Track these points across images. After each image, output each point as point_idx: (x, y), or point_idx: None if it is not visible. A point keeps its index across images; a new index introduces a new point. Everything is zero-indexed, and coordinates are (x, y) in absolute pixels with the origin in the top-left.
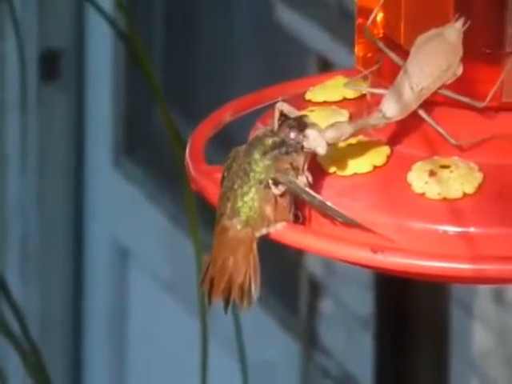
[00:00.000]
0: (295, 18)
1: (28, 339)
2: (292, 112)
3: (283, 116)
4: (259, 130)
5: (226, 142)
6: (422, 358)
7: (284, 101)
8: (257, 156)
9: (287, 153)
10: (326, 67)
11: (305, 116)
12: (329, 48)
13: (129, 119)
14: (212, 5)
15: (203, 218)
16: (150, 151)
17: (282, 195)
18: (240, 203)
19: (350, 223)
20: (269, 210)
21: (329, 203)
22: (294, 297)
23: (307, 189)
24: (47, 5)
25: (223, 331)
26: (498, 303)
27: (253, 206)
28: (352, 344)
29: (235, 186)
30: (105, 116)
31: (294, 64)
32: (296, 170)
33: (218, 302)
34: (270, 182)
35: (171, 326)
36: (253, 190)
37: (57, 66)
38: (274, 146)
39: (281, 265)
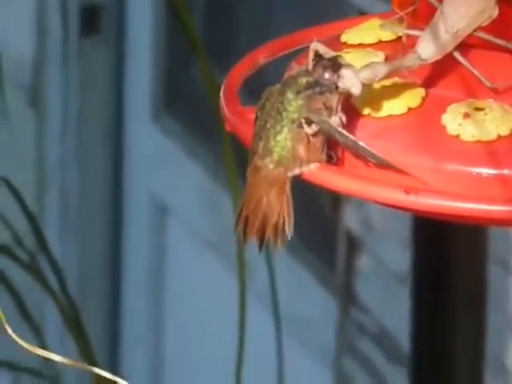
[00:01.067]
0: None
1: (66, 295)
2: (327, 52)
3: (318, 56)
4: (294, 69)
5: (262, 87)
6: (460, 315)
7: (319, 42)
8: (290, 95)
9: (321, 92)
10: None
11: (339, 56)
12: (369, 2)
13: (168, 73)
14: None
15: (242, 171)
16: (189, 105)
17: (314, 135)
18: (272, 142)
19: (383, 164)
20: (301, 149)
21: (362, 144)
22: (331, 253)
23: (340, 129)
24: None
25: (261, 287)
26: None
27: (285, 146)
28: (389, 301)
29: (268, 126)
30: (144, 70)
31: (333, 18)
32: (329, 110)
33: (252, 241)
34: (303, 121)
35: (210, 282)
36: (285, 129)
37: (97, 20)
38: (308, 86)
39: (318, 220)
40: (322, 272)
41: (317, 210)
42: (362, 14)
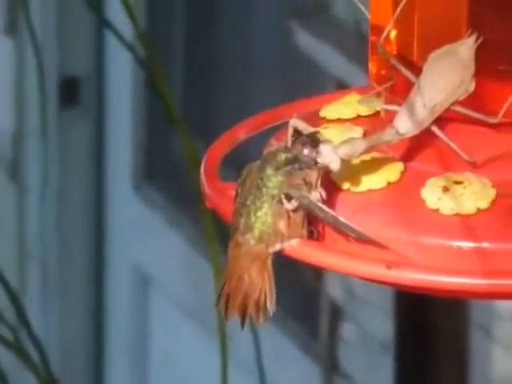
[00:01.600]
0: (313, 42)
1: (48, 370)
2: (306, 128)
3: (297, 133)
4: (273, 146)
5: (241, 162)
6: (444, 382)
7: (298, 118)
8: (270, 171)
9: (300, 168)
10: None
11: (318, 132)
12: (347, 71)
13: (149, 144)
14: (231, 30)
15: (223, 242)
16: (170, 176)
17: (295, 211)
18: (253, 218)
19: (363, 239)
20: (282, 225)
21: (342, 219)
22: (315, 321)
23: (320, 204)
24: (67, 31)
25: (243, 355)
26: None
27: (266, 221)
28: (372, 368)
29: (248, 202)
30: (125, 142)
31: (312, 88)
32: (309, 185)
33: (234, 318)
34: (283, 197)
35: (192, 351)
36: (266, 205)
37: (76, 93)
38: (287, 162)
39: (301, 289)
40: (306, 340)
41: (300, 278)
42: (341, 84)
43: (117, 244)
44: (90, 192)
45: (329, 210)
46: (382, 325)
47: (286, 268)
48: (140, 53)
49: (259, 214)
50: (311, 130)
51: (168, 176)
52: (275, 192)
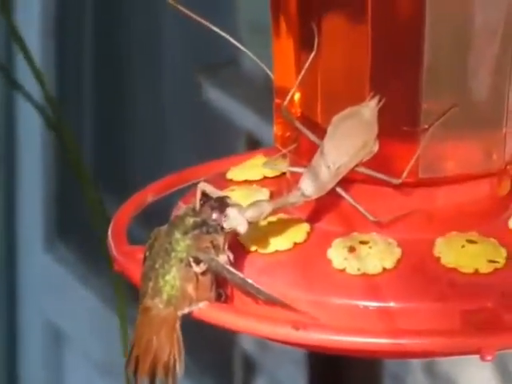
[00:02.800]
0: (224, 97)
1: None
2: (214, 192)
3: (205, 196)
4: (181, 209)
5: (150, 223)
6: None
7: (206, 181)
8: (178, 235)
9: (208, 232)
10: (254, 145)
11: (227, 197)
12: (257, 126)
13: (60, 201)
14: (141, 88)
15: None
16: (81, 233)
17: (203, 274)
18: (162, 282)
19: (271, 301)
20: (191, 288)
21: (250, 281)
22: (228, 375)
23: (228, 267)
24: None
25: None
26: (429, 376)
27: (174, 285)
28: None
29: (156, 266)
30: (36, 198)
31: (223, 143)
32: (217, 248)
33: (143, 381)
34: (191, 260)
35: None
36: (174, 268)
37: None
38: (195, 226)
39: (214, 343)
40: None
41: (212, 331)
42: (252, 139)
43: (28, 301)
44: (0, 250)
45: (237, 273)
46: (295, 377)
47: (199, 323)
48: (49, 114)
49: (168, 277)
50: (219, 193)
51: (79, 233)
52: (183, 255)
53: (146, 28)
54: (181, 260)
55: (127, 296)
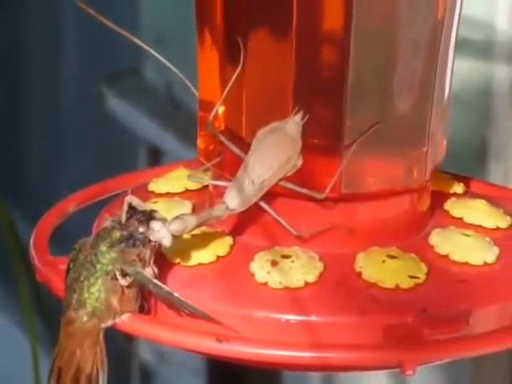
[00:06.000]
0: (125, 106)
1: None
2: (140, 205)
3: (132, 209)
4: (107, 220)
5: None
6: None
7: (133, 195)
8: (103, 248)
9: (134, 245)
10: (156, 156)
11: (154, 211)
12: (159, 137)
13: None
14: (38, 96)
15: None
16: None
17: (128, 286)
18: (86, 295)
19: (195, 313)
20: (115, 301)
21: (176, 294)
22: None
23: (154, 280)
24: None
25: None
26: None
27: (99, 298)
28: None
29: (81, 278)
30: None
31: (124, 153)
32: (143, 261)
33: None
34: (117, 273)
35: None
36: (99, 281)
37: None
38: (122, 239)
39: (111, 352)
40: None
41: (110, 341)
42: (153, 148)
43: None
44: None
45: (163, 286)
46: None
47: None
48: None
49: (92, 290)
50: (146, 206)
51: None
52: (109, 268)
53: (45, 35)
54: (106, 272)
55: (34, 309)
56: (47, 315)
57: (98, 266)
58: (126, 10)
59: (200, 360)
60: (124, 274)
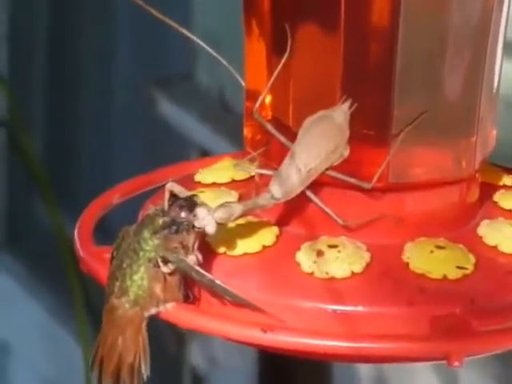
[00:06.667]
0: (177, 110)
1: None
2: (182, 192)
3: (173, 196)
4: (150, 209)
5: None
6: None
7: (174, 182)
8: (146, 235)
9: (177, 232)
10: None
11: (195, 196)
12: (210, 141)
13: (9, 211)
14: (94, 96)
15: (91, 314)
16: (31, 245)
17: (171, 274)
18: (129, 282)
19: (239, 302)
20: (158, 288)
21: (219, 282)
22: None
23: (197, 268)
24: None
25: None
26: None
27: (142, 285)
28: None
29: (124, 265)
30: None
31: (176, 157)
32: (186, 248)
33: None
34: (160, 260)
35: None
36: (142, 268)
37: None
38: (164, 226)
39: (163, 357)
40: None
41: (161, 347)
42: (205, 153)
43: None
44: None
45: (206, 273)
46: None
47: (148, 337)
48: (1, 115)
49: (135, 277)
50: (188, 193)
51: (27, 244)
52: (152, 255)
53: (99, 40)
54: (149, 260)
55: (85, 311)
56: (98, 321)
57: (141, 254)
58: (178, 11)
59: (251, 364)
60: (166, 261)
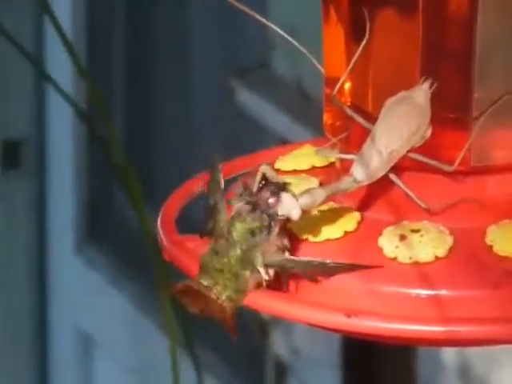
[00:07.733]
0: (255, 100)
1: None
2: (274, 177)
3: (264, 179)
4: (238, 188)
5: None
6: None
7: (268, 165)
8: (244, 246)
9: (269, 231)
10: None
11: (287, 183)
12: (289, 130)
13: (91, 204)
14: (170, 92)
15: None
16: (113, 236)
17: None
18: (228, 283)
19: (340, 269)
20: (255, 290)
21: (318, 259)
22: (261, 379)
23: (292, 257)
24: (5, 95)
25: None
26: (464, 380)
27: (240, 289)
28: None
29: (233, 261)
30: (67, 201)
31: (255, 146)
32: (283, 250)
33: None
34: (262, 270)
35: None
36: (246, 273)
37: (17, 154)
38: (262, 228)
39: (247, 347)
40: None
41: (245, 337)
42: (283, 142)
43: (59, 305)
44: (31, 254)
45: (300, 259)
46: (328, 381)
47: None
48: (81, 105)
49: (238, 281)
50: (280, 178)
51: (110, 235)
52: (257, 262)
53: (177, 30)
54: (253, 267)
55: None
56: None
57: (248, 260)
58: (255, 3)
59: (336, 355)
60: (269, 267)
